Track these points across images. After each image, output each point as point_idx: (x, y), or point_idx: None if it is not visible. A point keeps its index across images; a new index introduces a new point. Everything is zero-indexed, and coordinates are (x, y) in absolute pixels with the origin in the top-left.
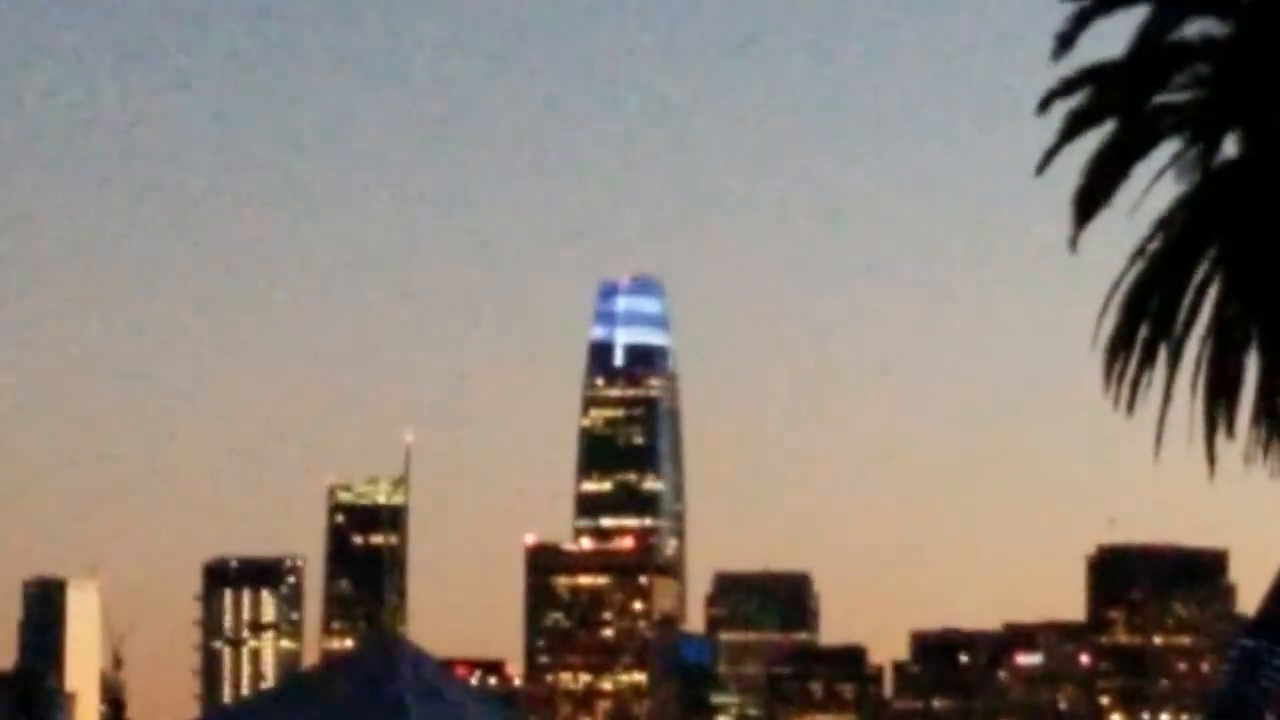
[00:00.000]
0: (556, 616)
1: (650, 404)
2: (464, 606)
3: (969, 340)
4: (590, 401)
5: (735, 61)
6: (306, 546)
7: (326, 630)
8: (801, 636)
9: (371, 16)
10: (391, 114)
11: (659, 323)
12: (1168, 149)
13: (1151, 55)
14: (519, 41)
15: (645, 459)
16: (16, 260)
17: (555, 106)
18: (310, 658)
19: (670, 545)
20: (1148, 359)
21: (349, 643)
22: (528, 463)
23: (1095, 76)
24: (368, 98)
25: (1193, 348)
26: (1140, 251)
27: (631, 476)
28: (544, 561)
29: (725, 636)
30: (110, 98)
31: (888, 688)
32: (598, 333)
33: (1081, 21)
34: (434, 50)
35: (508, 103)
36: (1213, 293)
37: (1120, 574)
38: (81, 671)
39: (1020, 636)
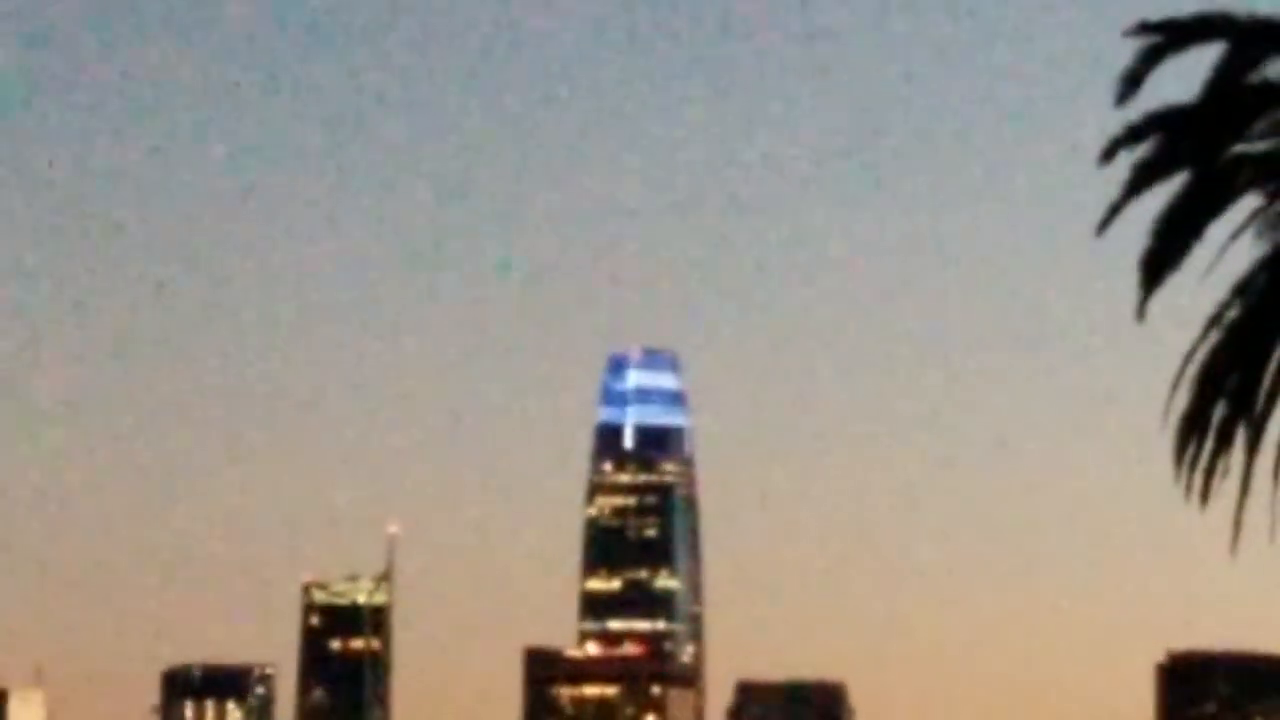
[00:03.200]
0: None
1: (664, 491)
2: (455, 718)
3: (1022, 421)
4: (597, 489)
5: (758, 113)
6: (278, 653)
7: None
8: None
9: (369, 84)
10: (381, 179)
11: (674, 400)
12: (1247, 204)
13: (1229, 98)
14: (523, 102)
15: (659, 554)
16: None
17: (559, 163)
18: None
19: (687, 651)
20: (1224, 442)
21: None
22: (526, 558)
23: (1165, 123)
24: (359, 169)
25: (1275, 429)
26: (1216, 320)
27: (643, 574)
28: (544, 669)
29: None
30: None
31: None
32: (606, 412)
33: (1150, 60)
34: (428, 116)
35: (506, 158)
36: None
37: (1195, 684)
38: None
39: None
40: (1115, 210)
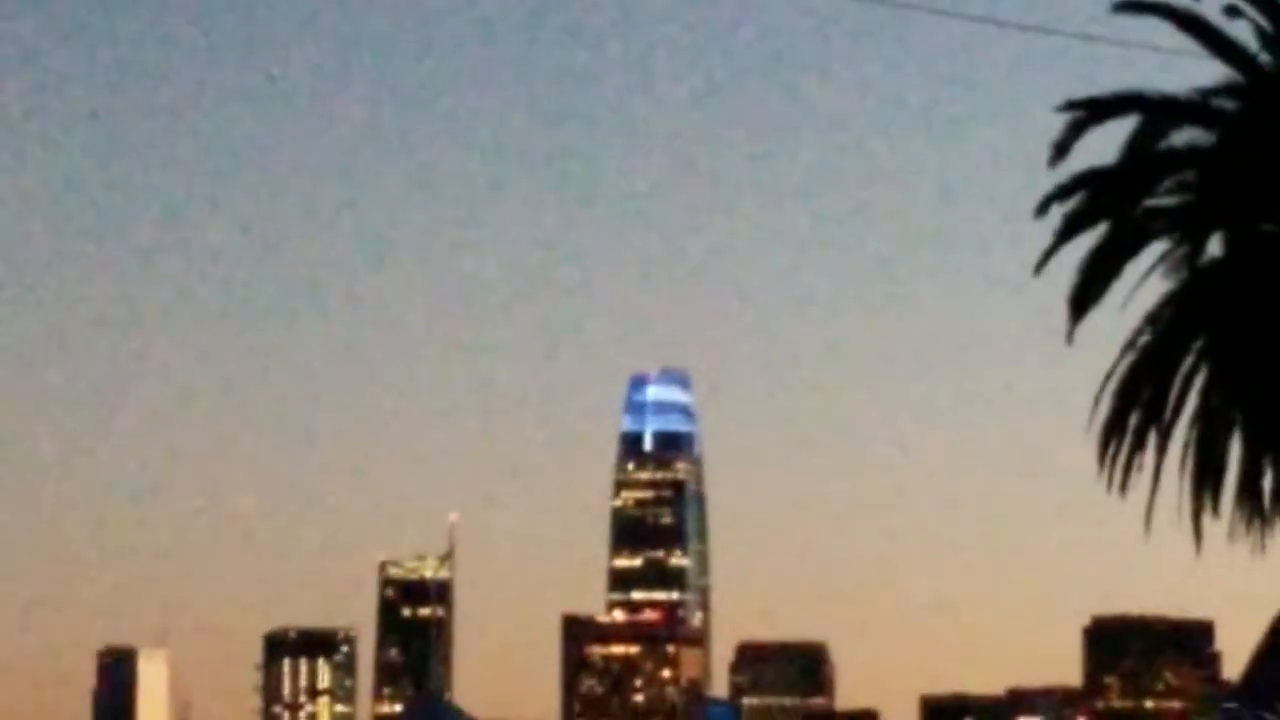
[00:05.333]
0: (591, 683)
1: (677, 486)
2: (505, 674)
3: (976, 427)
4: (621, 484)
5: (760, 157)
6: (359, 618)
7: (378, 696)
8: (819, 702)
9: (409, 114)
10: (427, 203)
11: (686, 411)
12: (1157, 249)
13: (1142, 162)
14: (549, 136)
15: (672, 537)
16: (74, 334)
17: (588, 204)
18: None
19: (696, 617)
20: (1138, 444)
21: (398, 707)
22: (564, 541)
23: (1089, 182)
24: (399, 184)
25: (1180, 433)
26: (1131, 344)
27: (660, 553)
28: (579, 632)
29: (747, 702)
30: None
31: None
32: (629, 421)
33: (1076, 130)
34: (461, 141)
35: (539, 200)
36: (1199, 382)
37: (1114, 643)
38: None
39: (1022, 701)
40: (1049, 254)
